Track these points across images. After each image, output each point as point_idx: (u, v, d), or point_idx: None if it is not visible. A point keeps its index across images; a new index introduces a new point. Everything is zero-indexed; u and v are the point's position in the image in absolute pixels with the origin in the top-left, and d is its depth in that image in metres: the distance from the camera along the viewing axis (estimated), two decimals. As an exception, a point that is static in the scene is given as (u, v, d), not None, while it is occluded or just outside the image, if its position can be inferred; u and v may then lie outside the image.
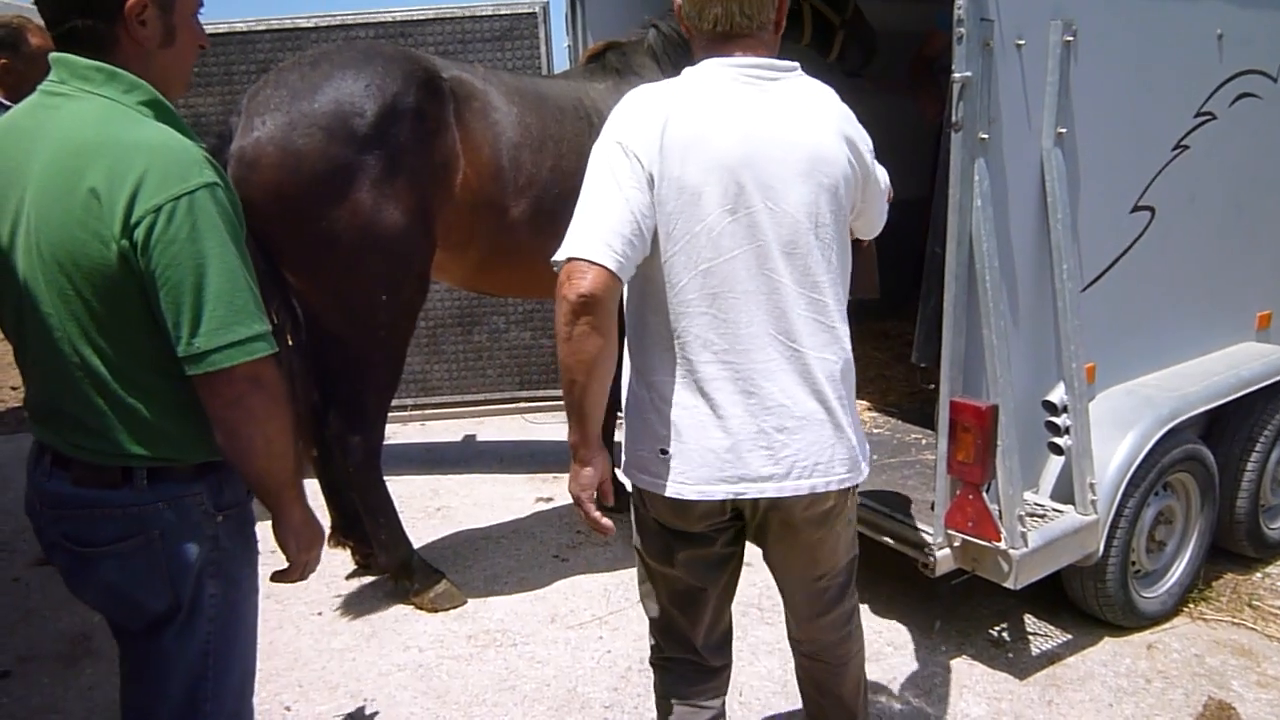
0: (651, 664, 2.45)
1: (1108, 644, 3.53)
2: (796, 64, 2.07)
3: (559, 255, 1.92)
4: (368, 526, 3.85)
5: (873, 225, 2.29)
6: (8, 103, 3.76)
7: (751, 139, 1.94)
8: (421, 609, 3.82)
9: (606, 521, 2.07)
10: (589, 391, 1.93)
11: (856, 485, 2.17)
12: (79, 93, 1.71)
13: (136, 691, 1.99)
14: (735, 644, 3.44)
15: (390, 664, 3.50)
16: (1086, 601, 3.53)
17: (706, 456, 2.01)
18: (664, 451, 2.04)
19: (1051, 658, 3.46)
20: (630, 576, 4.03)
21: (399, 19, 4.93)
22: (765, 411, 2.00)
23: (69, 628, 3.80)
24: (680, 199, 1.93)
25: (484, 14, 4.93)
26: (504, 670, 3.44)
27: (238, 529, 1.95)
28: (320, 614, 3.86)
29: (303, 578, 2.03)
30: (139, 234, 1.62)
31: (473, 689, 3.35)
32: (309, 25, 4.92)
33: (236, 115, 3.36)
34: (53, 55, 1.75)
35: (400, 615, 3.82)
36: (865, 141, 2.11)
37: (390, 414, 3.82)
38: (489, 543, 4.45)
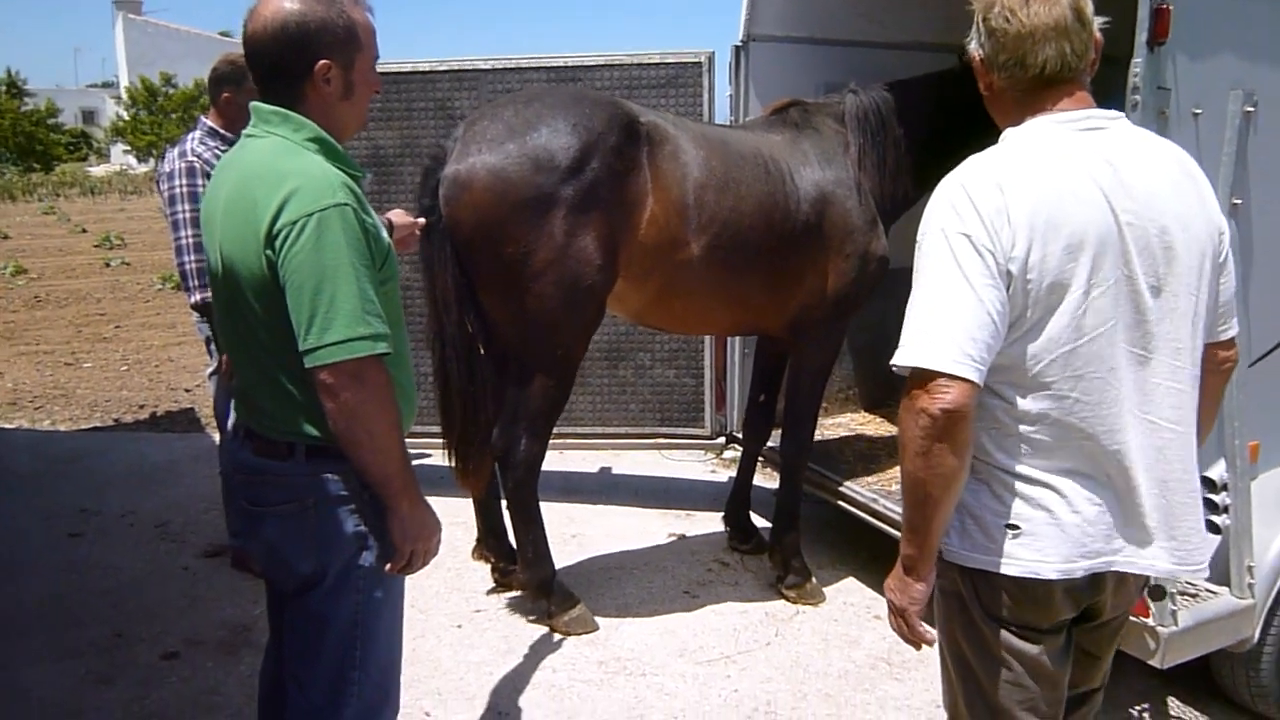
0: None
1: (1258, 737, 3.38)
2: (1120, 113, 1.90)
3: (908, 360, 1.76)
4: (516, 540, 4.02)
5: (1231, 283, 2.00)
6: (223, 131, 4.14)
7: (1111, 206, 1.76)
8: (555, 630, 3.96)
9: (932, 634, 1.96)
10: (941, 508, 1.79)
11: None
12: (262, 133, 2.06)
13: (288, 652, 2.23)
14: (862, 696, 3.45)
15: (525, 681, 3.63)
16: (1237, 690, 3.38)
17: (1065, 533, 1.84)
18: (1013, 527, 1.86)
19: (1196, 745, 3.34)
20: (760, 618, 4.07)
21: (570, 64, 5.15)
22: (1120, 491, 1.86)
23: (232, 617, 4.08)
24: (1040, 284, 1.74)
25: (650, 61, 5.11)
26: (633, 699, 3.53)
27: (383, 509, 2.09)
28: (460, 627, 4.03)
29: (410, 569, 2.14)
30: (278, 243, 1.91)
31: (602, 714, 3.44)
32: (486, 67, 5.19)
33: (452, 142, 3.69)
34: (251, 105, 2.10)
35: (535, 634, 3.96)
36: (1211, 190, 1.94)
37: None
38: (622, 573, 4.55)
